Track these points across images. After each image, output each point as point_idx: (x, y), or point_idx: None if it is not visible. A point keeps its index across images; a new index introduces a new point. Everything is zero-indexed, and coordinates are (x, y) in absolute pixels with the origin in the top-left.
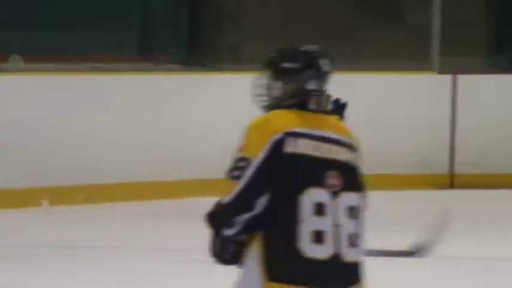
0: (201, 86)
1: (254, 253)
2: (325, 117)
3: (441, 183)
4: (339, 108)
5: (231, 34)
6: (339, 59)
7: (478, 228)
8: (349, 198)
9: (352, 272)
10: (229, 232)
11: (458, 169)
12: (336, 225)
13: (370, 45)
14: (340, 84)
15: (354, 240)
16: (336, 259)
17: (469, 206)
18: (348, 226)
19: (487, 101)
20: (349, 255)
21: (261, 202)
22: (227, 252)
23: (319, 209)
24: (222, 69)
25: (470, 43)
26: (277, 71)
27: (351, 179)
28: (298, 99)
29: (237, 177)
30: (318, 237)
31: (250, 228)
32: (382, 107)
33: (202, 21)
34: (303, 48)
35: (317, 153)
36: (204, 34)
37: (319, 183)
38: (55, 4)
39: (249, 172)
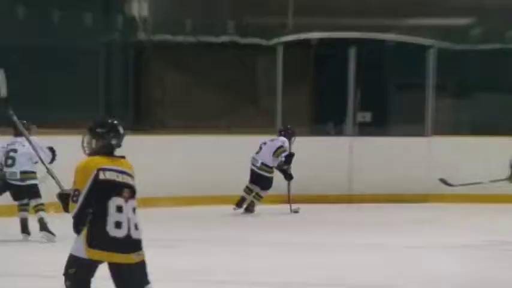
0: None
1: (83, 231)
2: (121, 159)
3: None
4: (287, 157)
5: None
6: (218, 127)
7: None
8: (133, 203)
9: (137, 244)
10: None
11: None
12: (128, 218)
13: (242, 119)
14: (220, 143)
15: (137, 226)
16: (128, 237)
17: None
18: (133, 218)
19: (312, 156)
20: (135, 234)
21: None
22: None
23: (119, 209)
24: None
25: (301, 117)
26: (93, 134)
27: (133, 192)
28: (106, 150)
29: (76, 201)
30: (118, 225)
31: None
32: (247, 156)
33: (142, 103)
34: (109, 120)
35: (117, 179)
36: (142, 111)
37: (119, 194)
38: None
39: (81, 198)
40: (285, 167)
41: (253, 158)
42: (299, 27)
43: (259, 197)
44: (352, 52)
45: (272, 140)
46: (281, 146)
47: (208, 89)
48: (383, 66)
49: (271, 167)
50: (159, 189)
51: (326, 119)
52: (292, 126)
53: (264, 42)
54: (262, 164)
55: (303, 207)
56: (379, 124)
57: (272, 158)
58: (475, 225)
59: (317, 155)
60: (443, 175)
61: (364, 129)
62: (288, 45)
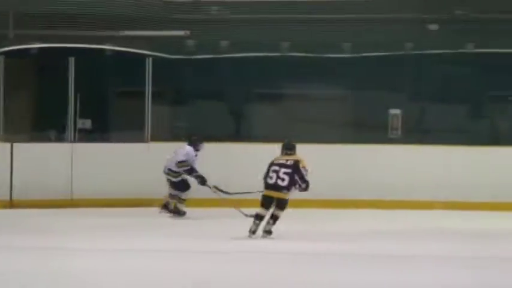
0: None
1: None
2: None
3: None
4: (188, 170)
5: None
6: None
7: None
8: None
9: None
10: None
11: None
12: None
13: None
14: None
15: None
16: None
17: None
18: None
19: (33, 162)
20: None
21: None
22: None
23: None
24: None
25: (22, 124)
26: None
27: None
28: None
29: None
30: None
31: None
32: None
33: None
34: None
35: None
36: None
37: None
38: None
39: None
40: (193, 175)
41: (164, 166)
42: (20, 38)
43: (181, 200)
44: (72, 62)
45: (180, 148)
46: (183, 161)
47: None
48: (102, 75)
49: (176, 172)
50: None
51: (47, 125)
52: (197, 134)
53: None
54: (169, 170)
55: (24, 212)
56: (100, 131)
57: (177, 166)
58: (186, 229)
59: (38, 160)
60: (163, 180)
61: (84, 136)
62: (9, 55)
